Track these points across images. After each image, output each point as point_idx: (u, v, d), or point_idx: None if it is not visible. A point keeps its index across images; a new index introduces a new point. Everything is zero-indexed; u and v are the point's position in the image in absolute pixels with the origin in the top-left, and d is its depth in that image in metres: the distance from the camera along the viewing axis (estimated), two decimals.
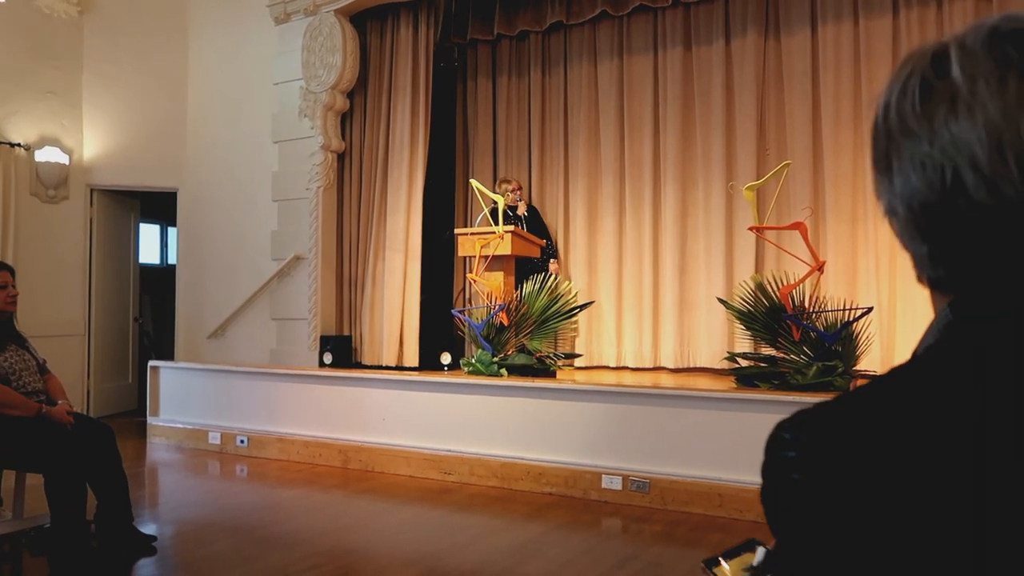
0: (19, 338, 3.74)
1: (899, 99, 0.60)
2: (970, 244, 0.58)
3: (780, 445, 0.59)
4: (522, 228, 6.39)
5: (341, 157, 6.97)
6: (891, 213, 0.63)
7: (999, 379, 0.55)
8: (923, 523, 0.53)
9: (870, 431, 0.56)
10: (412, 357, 6.47)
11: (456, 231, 6.19)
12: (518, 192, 6.57)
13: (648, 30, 6.67)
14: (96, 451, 3.58)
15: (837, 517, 0.55)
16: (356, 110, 6.94)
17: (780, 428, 0.60)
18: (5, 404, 3.43)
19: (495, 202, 5.71)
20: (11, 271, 3.69)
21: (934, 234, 0.59)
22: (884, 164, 0.62)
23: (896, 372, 0.60)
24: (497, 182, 6.75)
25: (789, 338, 4.72)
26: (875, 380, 0.60)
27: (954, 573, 0.52)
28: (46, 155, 7.23)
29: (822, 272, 4.88)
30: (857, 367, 4.69)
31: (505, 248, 5.56)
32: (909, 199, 0.60)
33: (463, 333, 6.42)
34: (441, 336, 6.82)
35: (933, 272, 0.62)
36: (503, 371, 5.36)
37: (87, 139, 7.62)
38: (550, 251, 6.64)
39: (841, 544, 0.55)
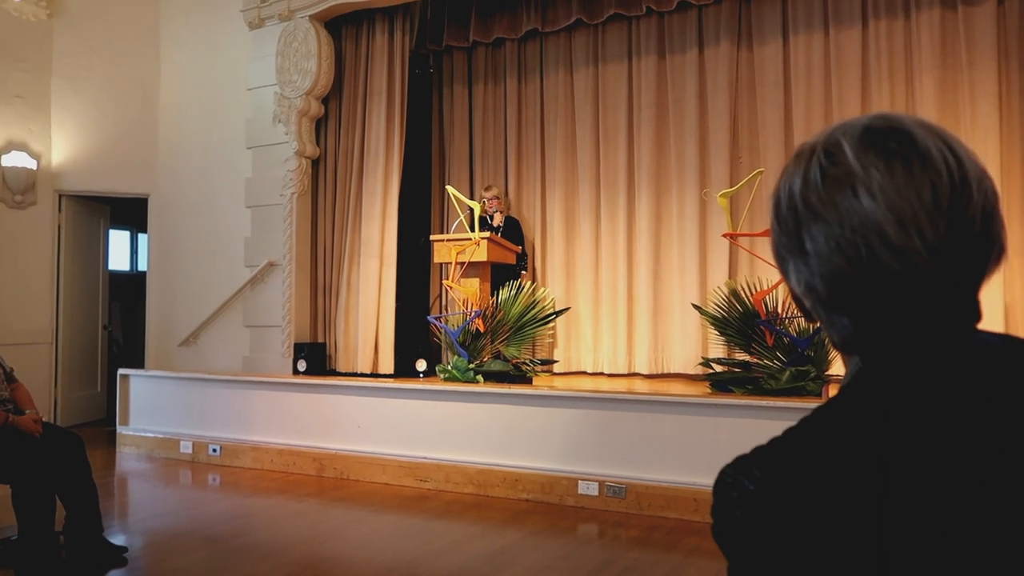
0: None
1: (803, 189, 0.69)
2: (886, 308, 0.67)
3: (725, 487, 0.68)
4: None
5: (316, 163, 6.92)
6: (810, 291, 0.71)
7: (898, 426, 0.64)
8: (836, 553, 0.62)
9: (793, 473, 0.65)
10: (387, 364, 6.43)
11: (432, 237, 6.18)
12: (495, 202, 6.55)
13: (623, 38, 6.73)
14: (65, 461, 3.51)
15: (772, 548, 0.64)
16: (331, 116, 6.91)
17: (724, 473, 0.69)
18: None
19: (471, 209, 5.71)
20: None
21: (854, 304, 0.68)
22: (797, 247, 0.70)
23: (815, 416, 0.69)
24: (483, 187, 6.77)
25: (763, 343, 4.77)
26: (801, 422, 0.69)
27: None
28: (13, 160, 7.10)
29: None
30: (829, 372, 4.75)
31: (481, 255, 5.56)
32: (830, 276, 0.68)
33: (439, 340, 6.40)
34: (417, 343, 6.79)
35: (851, 338, 0.70)
36: (479, 378, 5.35)
37: (56, 144, 7.50)
38: (522, 263, 6.59)
39: (774, 560, 0.64)
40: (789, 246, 0.71)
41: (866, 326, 0.69)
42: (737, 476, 0.68)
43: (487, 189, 6.63)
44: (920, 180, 0.65)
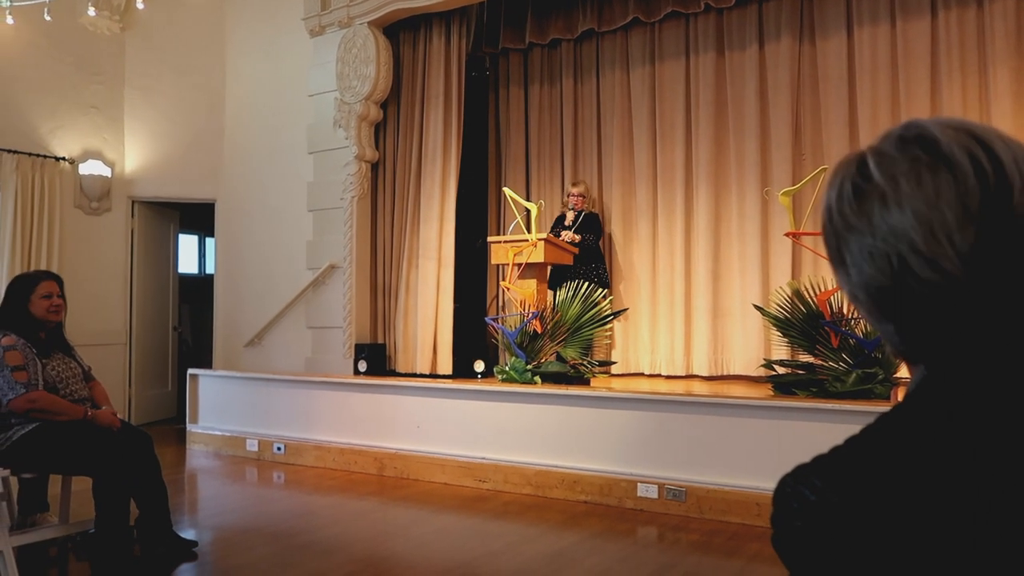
0: (66, 346, 3.83)
1: (838, 202, 0.70)
2: (927, 317, 0.66)
3: (784, 497, 0.68)
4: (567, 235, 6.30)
5: (375, 167, 7.04)
6: (854, 300, 0.72)
7: (972, 436, 0.63)
8: (904, 566, 0.61)
9: (856, 483, 0.64)
10: (446, 365, 6.49)
11: (489, 239, 6.21)
12: (579, 200, 6.47)
13: (680, 36, 6.65)
14: (136, 457, 3.63)
15: (833, 560, 0.63)
16: (389, 120, 7.01)
17: (784, 482, 0.69)
18: (53, 411, 3.51)
19: (528, 210, 5.71)
20: (59, 281, 3.77)
21: (895, 313, 0.68)
22: (838, 259, 0.71)
23: (879, 425, 0.68)
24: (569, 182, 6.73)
25: (827, 345, 4.65)
26: (864, 431, 0.68)
27: None
28: (89, 168, 7.42)
29: None
30: (898, 374, 4.61)
31: (538, 256, 5.57)
32: (866, 286, 0.69)
33: (496, 341, 6.43)
34: (474, 344, 6.84)
35: (902, 346, 0.70)
36: (537, 379, 5.35)
37: (128, 152, 7.80)
38: (598, 268, 6.44)
39: (836, 568, 0.63)
40: (832, 257, 0.72)
41: (910, 335, 0.68)
42: (797, 486, 0.67)
43: (574, 185, 6.58)
44: (945, 186, 0.64)
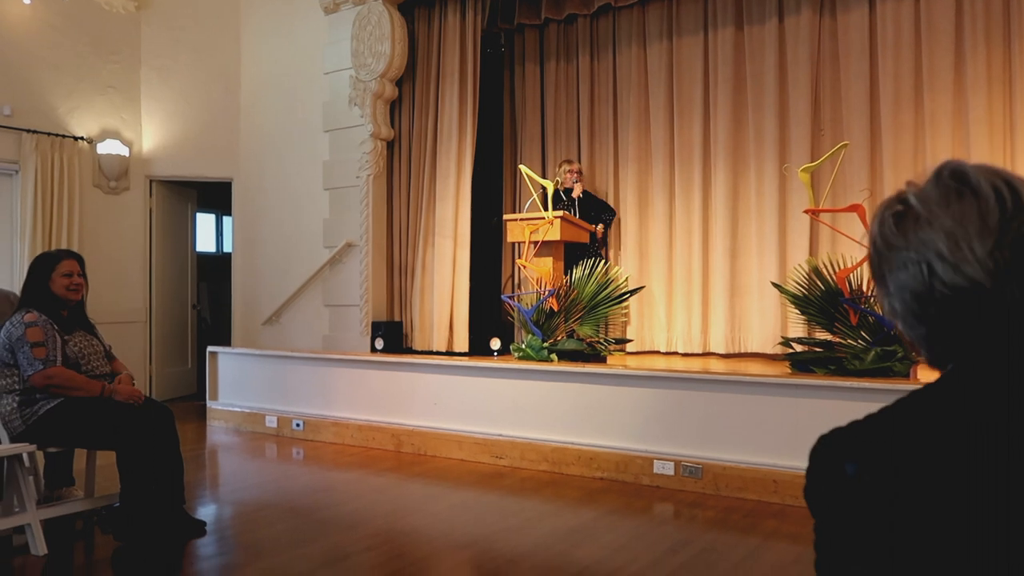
0: (88, 324, 3.87)
1: (880, 228, 0.82)
2: (956, 319, 0.76)
3: (818, 455, 0.77)
4: (574, 210, 6.37)
5: (390, 145, 7.03)
6: (892, 311, 0.82)
7: (988, 419, 0.71)
8: (926, 520, 0.69)
9: (888, 450, 0.73)
10: (462, 342, 6.52)
11: (505, 217, 6.20)
12: (576, 175, 6.52)
13: (699, 11, 6.56)
14: (157, 432, 3.65)
15: (860, 516, 0.72)
16: (405, 98, 6.99)
17: (821, 441, 0.78)
18: (70, 387, 3.54)
19: (544, 187, 5.69)
20: (79, 260, 3.80)
21: (927, 315, 0.78)
22: (880, 276, 0.82)
23: (912, 398, 0.77)
24: (559, 162, 6.76)
25: (846, 323, 4.62)
26: (897, 402, 0.78)
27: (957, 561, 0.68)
28: (107, 148, 7.46)
29: None
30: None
31: (554, 234, 5.55)
32: (902, 292, 0.79)
33: (513, 319, 6.44)
34: (491, 322, 6.85)
35: (934, 348, 0.80)
36: (553, 356, 5.36)
37: (146, 132, 7.83)
38: (606, 224, 6.65)
39: (862, 533, 0.73)
40: (875, 275, 0.83)
41: (941, 337, 0.78)
42: (831, 447, 0.76)
43: (569, 163, 6.62)
44: (969, 207, 0.76)
